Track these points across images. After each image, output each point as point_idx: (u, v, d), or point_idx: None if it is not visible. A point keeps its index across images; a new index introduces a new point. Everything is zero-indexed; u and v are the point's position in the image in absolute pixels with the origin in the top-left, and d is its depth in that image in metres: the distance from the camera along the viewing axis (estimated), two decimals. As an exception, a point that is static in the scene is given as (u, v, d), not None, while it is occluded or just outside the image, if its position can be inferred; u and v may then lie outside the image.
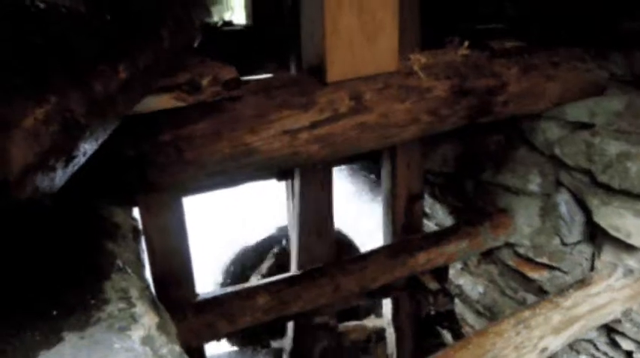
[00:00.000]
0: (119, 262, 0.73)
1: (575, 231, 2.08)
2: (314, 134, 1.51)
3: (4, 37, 0.45)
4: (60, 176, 0.49)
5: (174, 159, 1.38)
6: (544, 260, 2.23)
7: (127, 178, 1.35)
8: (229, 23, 2.88)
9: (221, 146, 1.42)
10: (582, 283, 1.97)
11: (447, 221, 2.69)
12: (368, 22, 1.51)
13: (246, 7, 2.78)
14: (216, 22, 2.61)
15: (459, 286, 2.78)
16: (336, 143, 1.56)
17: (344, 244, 3.27)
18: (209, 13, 2.03)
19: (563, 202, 2.10)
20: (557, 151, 2.03)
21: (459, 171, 2.50)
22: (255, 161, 1.48)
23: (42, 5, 0.55)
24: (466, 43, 1.80)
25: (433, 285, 2.28)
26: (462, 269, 2.75)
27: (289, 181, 2.42)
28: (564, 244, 2.14)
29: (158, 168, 1.37)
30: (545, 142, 2.07)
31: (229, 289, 2.03)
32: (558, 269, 2.20)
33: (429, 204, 2.77)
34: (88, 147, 0.56)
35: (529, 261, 2.30)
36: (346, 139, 1.57)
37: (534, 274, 2.30)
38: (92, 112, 0.54)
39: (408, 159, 2.22)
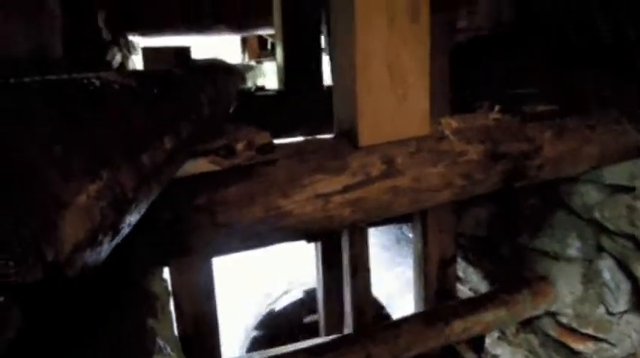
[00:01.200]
0: (160, 342, 0.71)
1: (621, 300, 1.97)
2: (346, 198, 1.51)
3: (62, 114, 0.47)
4: (106, 250, 0.49)
5: (208, 223, 1.38)
6: (589, 330, 2.10)
7: (161, 242, 1.36)
8: (262, 88, 2.99)
9: (254, 210, 1.42)
10: (633, 357, 1.83)
11: (482, 286, 2.59)
12: (399, 87, 1.54)
13: (279, 73, 2.90)
14: (250, 88, 2.72)
15: (496, 356, 2.62)
16: (369, 207, 1.55)
17: (375, 308, 3.16)
18: (244, 80, 2.12)
19: (607, 268, 2.00)
20: (596, 215, 1.96)
21: (494, 234, 2.43)
22: (288, 225, 1.47)
23: (97, 82, 0.58)
24: (497, 108, 1.81)
25: (469, 355, 2.16)
26: (499, 338, 2.60)
27: (319, 243, 2.40)
28: (610, 313, 2.02)
29: (192, 231, 1.37)
30: (584, 206, 2.01)
31: (255, 356, 1.96)
32: (605, 340, 2.06)
33: (462, 268, 2.68)
34: (132, 219, 0.57)
35: (573, 331, 2.16)
36: (379, 203, 1.56)
37: (579, 346, 2.15)
38: (139, 185, 0.55)
39: (439, 222, 2.17)
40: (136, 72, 0.78)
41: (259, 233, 1.48)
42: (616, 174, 1.89)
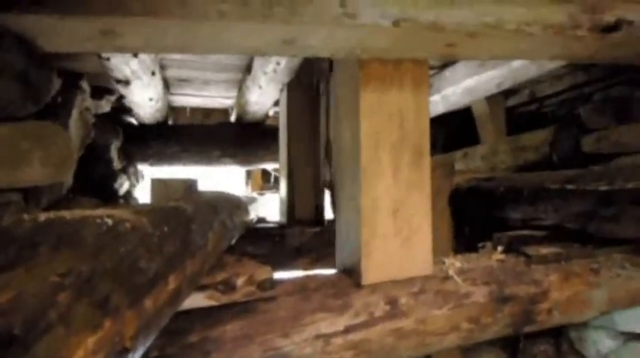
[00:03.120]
0: None
1: None
2: (348, 340, 1.42)
3: (73, 258, 0.46)
4: (94, 409, 0.44)
5: (199, 364, 1.28)
6: None
7: (146, 385, 1.25)
8: (263, 220, 3.03)
9: (251, 350, 1.33)
10: None
11: None
12: (403, 227, 1.56)
13: (281, 206, 2.95)
14: (252, 219, 2.75)
15: None
16: (371, 350, 1.46)
17: None
18: (247, 213, 2.15)
19: None
20: (613, 365, 1.84)
21: (504, 383, 2.25)
22: (285, 368, 1.37)
23: (110, 222, 0.58)
24: (500, 248, 1.81)
25: None
26: None
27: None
28: None
29: (182, 374, 1.27)
30: (598, 354, 1.90)
31: None
32: None
33: (472, 421, 2.43)
34: (126, 370, 0.52)
35: None
36: (382, 346, 1.47)
37: None
38: (139, 332, 0.51)
39: (446, 368, 2.03)
40: (147, 208, 0.79)
41: (254, 377, 1.36)
42: (629, 320, 1.82)
